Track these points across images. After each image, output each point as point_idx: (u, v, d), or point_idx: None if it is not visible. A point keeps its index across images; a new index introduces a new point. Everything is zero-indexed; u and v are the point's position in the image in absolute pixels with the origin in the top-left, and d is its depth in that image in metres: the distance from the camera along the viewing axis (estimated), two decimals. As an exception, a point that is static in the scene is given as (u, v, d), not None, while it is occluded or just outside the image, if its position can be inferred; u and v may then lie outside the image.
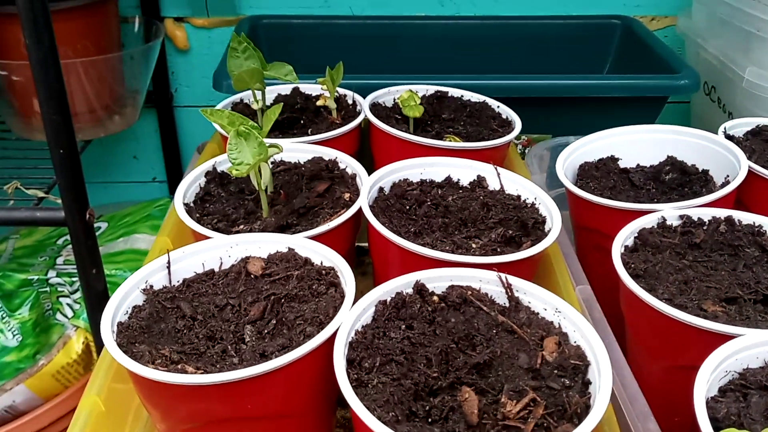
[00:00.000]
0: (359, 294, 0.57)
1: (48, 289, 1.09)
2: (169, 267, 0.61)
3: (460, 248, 0.65)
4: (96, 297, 0.91)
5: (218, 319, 0.57)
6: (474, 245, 0.66)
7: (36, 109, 1.08)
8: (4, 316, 1.01)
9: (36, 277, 1.09)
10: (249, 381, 0.49)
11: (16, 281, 1.07)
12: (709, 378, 0.50)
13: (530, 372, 0.51)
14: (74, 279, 1.11)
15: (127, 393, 0.58)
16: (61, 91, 0.78)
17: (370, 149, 0.90)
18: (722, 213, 0.69)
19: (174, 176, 1.41)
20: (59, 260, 1.15)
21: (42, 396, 1.02)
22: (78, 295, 1.09)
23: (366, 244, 0.75)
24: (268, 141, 0.70)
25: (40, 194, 0.94)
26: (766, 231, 0.67)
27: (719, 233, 0.67)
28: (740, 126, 0.86)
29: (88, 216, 0.87)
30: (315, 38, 1.25)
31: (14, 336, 1.01)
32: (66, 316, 1.06)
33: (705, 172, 0.81)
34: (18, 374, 1.00)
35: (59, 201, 0.85)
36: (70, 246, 1.18)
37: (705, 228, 0.68)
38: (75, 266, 1.12)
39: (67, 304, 1.07)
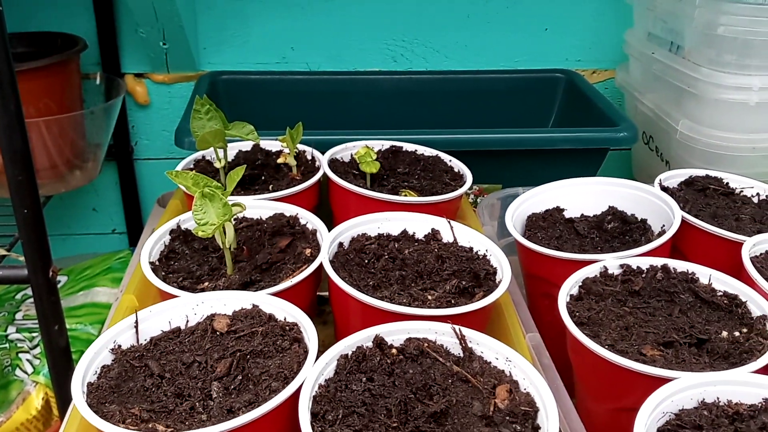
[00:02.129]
0: (321, 342, 0.60)
1: (7, 345, 1.08)
2: (136, 326, 0.63)
3: (417, 300, 0.69)
4: (58, 353, 0.91)
5: (186, 377, 0.59)
6: (430, 297, 0.70)
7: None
8: (-38, 374, 1.01)
9: (-5, 334, 1.08)
10: (218, 437, 0.51)
11: (-25, 338, 1.07)
12: (647, 420, 0.54)
13: (484, 419, 0.55)
14: (34, 334, 1.11)
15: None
16: (25, 153, 0.80)
17: (328, 202, 0.94)
18: (659, 261, 0.74)
19: (134, 228, 1.42)
20: (18, 315, 1.15)
21: (1, 454, 1.01)
22: (38, 350, 1.08)
23: (326, 293, 0.78)
24: (231, 199, 0.73)
25: (2, 252, 0.95)
26: (698, 278, 0.72)
27: (656, 281, 0.72)
28: (675, 177, 0.92)
29: (51, 273, 0.88)
30: (273, 93, 1.29)
31: (-28, 394, 1.00)
32: (25, 372, 1.06)
33: (644, 221, 0.86)
34: (-24, 433, 1.00)
35: (22, 258, 0.86)
36: (28, 301, 1.19)
37: (643, 276, 0.73)
38: (34, 321, 1.13)
39: (27, 360, 1.07)
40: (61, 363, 0.91)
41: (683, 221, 0.81)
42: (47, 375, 1.03)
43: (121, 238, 1.45)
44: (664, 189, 0.89)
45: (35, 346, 1.09)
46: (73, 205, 1.41)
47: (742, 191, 0.90)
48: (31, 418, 1.03)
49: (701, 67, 1.03)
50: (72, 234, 1.44)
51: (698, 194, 0.90)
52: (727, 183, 0.91)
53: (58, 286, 1.21)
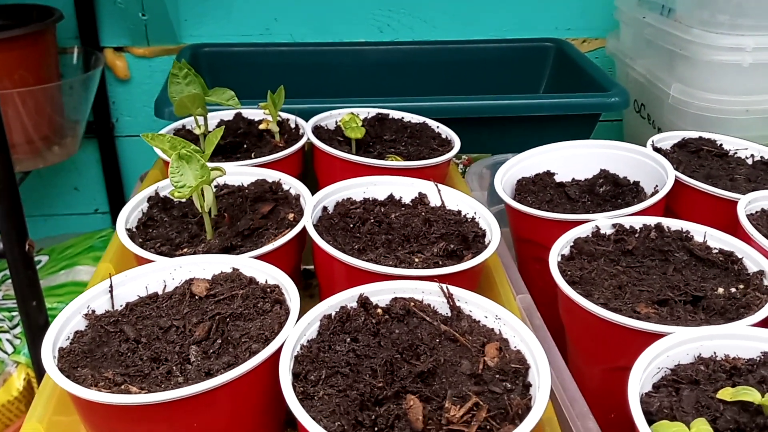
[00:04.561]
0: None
1: (-14, 325, 1.06)
2: (111, 291, 0.61)
3: (403, 263, 0.66)
4: (37, 330, 0.89)
5: (163, 341, 0.57)
6: (417, 259, 0.68)
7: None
8: (-60, 354, 0.98)
9: (-26, 314, 1.06)
10: (194, 399, 0.49)
11: (-47, 318, 1.04)
12: (642, 375, 0.52)
13: (473, 377, 0.53)
14: (14, 314, 1.08)
15: (71, 425, 0.57)
16: (-3, 122, 0.77)
17: (314, 172, 0.91)
18: (652, 220, 0.72)
19: (117, 207, 1.39)
20: (-2, 295, 1.12)
21: (-19, 436, 0.99)
22: (18, 330, 1.06)
23: (312, 267, 0.75)
24: (210, 165, 0.70)
25: (-23, 227, 0.92)
26: (693, 236, 0.70)
27: (650, 240, 0.70)
28: (668, 139, 0.90)
29: (27, 247, 0.85)
30: (257, 65, 1.26)
31: (-49, 375, 0.98)
32: (6, 352, 1.03)
33: (636, 183, 0.84)
34: (-45, 414, 0.97)
35: (-3, 233, 0.84)
36: (9, 281, 1.16)
37: (637, 235, 0.71)
38: (14, 301, 1.10)
39: (7, 340, 1.05)
40: (40, 341, 0.88)
41: (677, 181, 0.78)
42: (28, 354, 1.01)
43: (104, 217, 1.42)
44: (657, 151, 0.87)
45: (15, 326, 1.06)
46: (55, 184, 1.38)
47: (736, 153, 0.88)
48: (13, 399, 1.00)
49: (693, 28, 1.01)
50: (54, 214, 1.41)
51: (692, 156, 0.88)
52: (721, 144, 0.89)
53: (40, 265, 1.19)
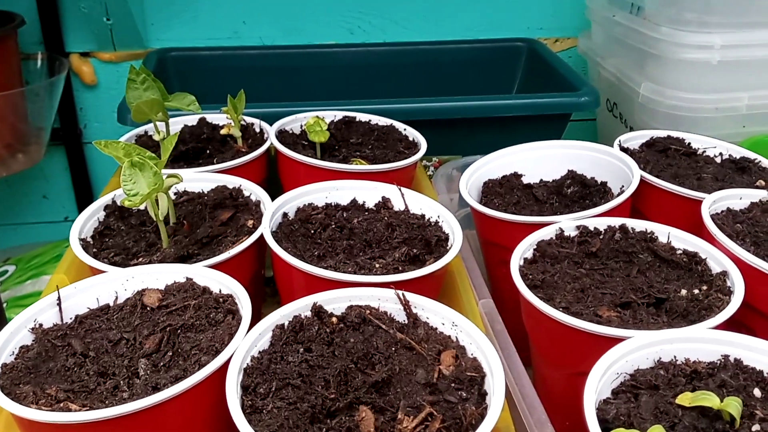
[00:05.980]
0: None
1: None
2: (59, 304, 0.59)
3: (363, 269, 0.65)
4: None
5: (111, 355, 0.55)
6: (377, 265, 0.66)
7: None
8: None
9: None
10: (138, 415, 0.47)
11: None
12: (599, 381, 0.51)
13: (428, 387, 0.51)
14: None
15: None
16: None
17: (279, 178, 0.90)
18: (616, 222, 0.71)
19: (87, 214, 1.37)
20: (-38, 307, 1.10)
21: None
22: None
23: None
24: (168, 171, 0.69)
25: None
26: (657, 237, 0.69)
27: (614, 241, 0.69)
28: (636, 138, 0.89)
29: (-15, 258, 0.83)
30: (225, 69, 1.24)
31: None
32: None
33: (603, 183, 0.83)
34: None
35: (-46, 244, 0.82)
36: (-26, 292, 1.13)
37: (601, 237, 0.70)
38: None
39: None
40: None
41: (643, 181, 0.78)
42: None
43: (74, 225, 1.40)
44: (625, 150, 0.86)
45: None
46: (23, 193, 1.36)
47: (704, 151, 0.87)
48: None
49: (661, 26, 1.00)
50: (23, 223, 1.38)
51: (660, 155, 0.87)
52: (689, 143, 0.88)
53: (6, 276, 1.17)
